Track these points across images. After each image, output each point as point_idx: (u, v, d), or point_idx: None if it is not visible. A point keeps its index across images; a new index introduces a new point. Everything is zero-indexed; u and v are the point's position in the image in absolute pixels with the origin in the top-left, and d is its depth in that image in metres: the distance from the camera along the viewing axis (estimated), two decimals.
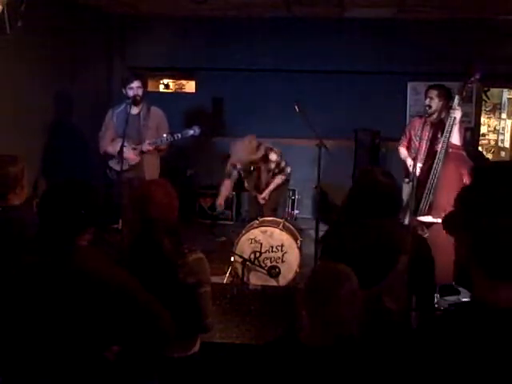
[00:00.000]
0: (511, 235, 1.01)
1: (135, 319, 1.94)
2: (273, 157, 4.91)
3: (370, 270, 2.34)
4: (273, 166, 4.96)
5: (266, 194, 5.01)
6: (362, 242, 2.43)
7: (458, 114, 4.21)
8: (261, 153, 4.79)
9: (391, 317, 2.42)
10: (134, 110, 4.76)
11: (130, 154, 4.75)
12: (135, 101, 4.70)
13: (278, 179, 5.00)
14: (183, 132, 4.83)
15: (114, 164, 4.87)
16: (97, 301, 1.86)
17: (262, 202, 5.02)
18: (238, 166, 4.93)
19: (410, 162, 4.63)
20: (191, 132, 4.85)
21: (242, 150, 4.74)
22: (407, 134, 4.86)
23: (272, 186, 5.00)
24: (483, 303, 1.05)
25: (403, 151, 4.87)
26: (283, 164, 4.99)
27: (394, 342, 1.17)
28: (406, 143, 4.87)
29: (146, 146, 4.78)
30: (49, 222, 1.92)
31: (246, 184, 5.23)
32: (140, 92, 4.75)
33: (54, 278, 1.87)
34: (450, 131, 4.20)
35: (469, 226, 1.09)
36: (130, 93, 4.70)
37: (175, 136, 4.80)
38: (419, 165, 4.35)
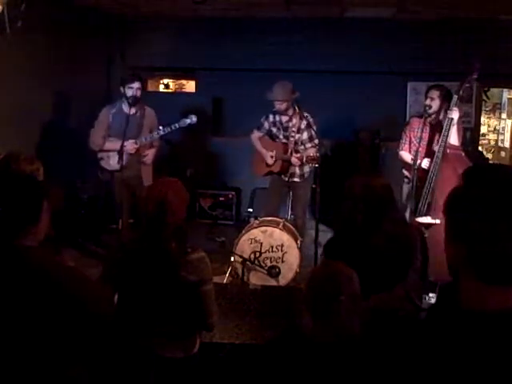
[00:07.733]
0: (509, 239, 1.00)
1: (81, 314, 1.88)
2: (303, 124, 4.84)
3: (388, 272, 2.34)
4: (305, 135, 4.85)
5: (298, 155, 4.72)
6: (375, 248, 2.43)
7: (455, 114, 4.18)
8: (294, 96, 4.80)
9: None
10: (132, 110, 4.71)
11: (129, 145, 4.69)
12: (133, 101, 4.68)
13: (311, 150, 4.69)
14: (180, 122, 4.73)
15: (106, 164, 4.82)
16: (32, 303, 1.75)
17: (295, 162, 4.78)
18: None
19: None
20: (188, 121, 4.74)
21: (278, 91, 4.78)
22: (408, 135, 4.62)
23: (306, 153, 4.65)
24: (472, 307, 1.03)
25: (406, 154, 4.60)
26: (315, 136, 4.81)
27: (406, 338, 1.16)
28: (407, 146, 4.61)
29: (141, 141, 4.73)
30: None
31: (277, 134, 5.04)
32: (139, 93, 4.73)
33: None
34: (448, 132, 4.18)
35: (462, 228, 1.06)
36: (129, 92, 4.68)
37: (172, 126, 4.71)
38: (418, 161, 4.33)
